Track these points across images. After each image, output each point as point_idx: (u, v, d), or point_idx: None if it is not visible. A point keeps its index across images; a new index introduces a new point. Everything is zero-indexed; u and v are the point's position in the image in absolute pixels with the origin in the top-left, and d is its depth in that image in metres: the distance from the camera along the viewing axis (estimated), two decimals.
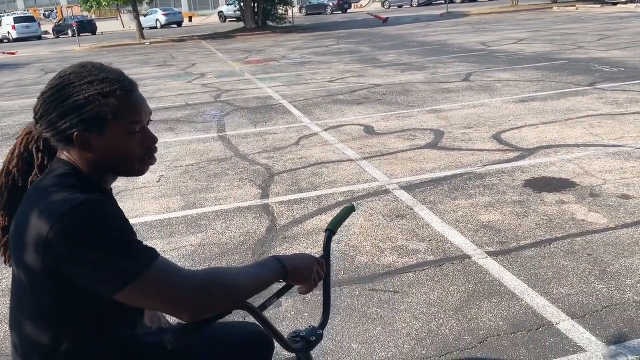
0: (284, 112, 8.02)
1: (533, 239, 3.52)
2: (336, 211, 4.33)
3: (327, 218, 4.03)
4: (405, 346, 2.54)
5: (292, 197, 4.58)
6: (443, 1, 34.72)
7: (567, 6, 27.73)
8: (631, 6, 24.75)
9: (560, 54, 11.70)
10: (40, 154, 1.31)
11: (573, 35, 15.15)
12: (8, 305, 1.34)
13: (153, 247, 1.18)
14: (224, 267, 1.26)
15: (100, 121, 1.20)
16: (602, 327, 2.57)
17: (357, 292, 3.04)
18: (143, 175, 5.32)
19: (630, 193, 4.11)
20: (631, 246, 3.32)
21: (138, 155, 1.26)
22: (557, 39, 14.55)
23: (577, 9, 26.52)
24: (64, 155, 1.25)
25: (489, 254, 3.36)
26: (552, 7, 28.40)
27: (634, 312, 2.67)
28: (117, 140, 1.22)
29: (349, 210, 1.67)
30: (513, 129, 6.14)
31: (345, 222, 3.91)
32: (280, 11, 30.24)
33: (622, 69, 9.35)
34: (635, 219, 3.67)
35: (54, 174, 1.23)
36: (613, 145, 5.27)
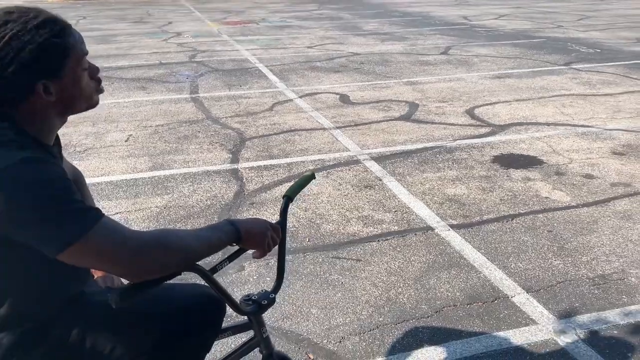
0: (259, 76, 7.91)
1: (496, 213, 3.58)
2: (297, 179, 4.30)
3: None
4: (363, 313, 2.58)
5: (262, 163, 4.55)
6: None
7: None
8: None
9: (539, 32, 11.73)
10: None
11: (553, 14, 15.18)
12: None
13: (97, 207, 1.15)
14: (173, 228, 1.24)
15: (59, 64, 1.19)
16: (555, 301, 2.65)
17: (320, 259, 3.06)
18: (112, 134, 5.17)
19: (595, 173, 4.19)
20: (590, 225, 3.40)
21: (91, 88, 1.28)
22: (537, 17, 14.57)
23: None
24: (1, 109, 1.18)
25: (452, 226, 3.41)
26: None
27: (586, 288, 2.75)
28: (75, 78, 1.22)
29: (308, 178, 1.66)
30: (487, 104, 6.18)
31: (314, 191, 3.93)
32: None
33: (599, 50, 9.43)
34: (596, 199, 3.76)
35: None
36: (582, 126, 5.35)
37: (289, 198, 1.56)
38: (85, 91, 1.26)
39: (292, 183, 1.66)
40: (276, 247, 1.45)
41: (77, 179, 1.56)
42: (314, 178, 1.69)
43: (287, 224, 3.39)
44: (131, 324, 1.33)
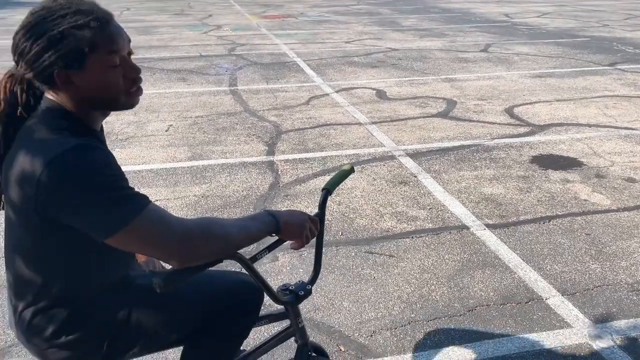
0: (297, 70, 7.95)
1: (533, 214, 3.53)
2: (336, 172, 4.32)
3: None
4: (395, 308, 2.60)
5: (297, 156, 4.60)
6: None
7: None
8: None
9: (583, 31, 11.42)
10: (24, 96, 1.25)
11: (599, 13, 14.74)
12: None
13: (145, 194, 1.20)
14: (216, 217, 1.27)
15: (78, 55, 1.16)
16: (592, 305, 2.61)
17: (353, 254, 3.09)
18: (153, 124, 5.28)
19: (637, 177, 4.09)
20: (630, 229, 3.32)
21: (122, 88, 1.23)
22: (582, 15, 14.17)
23: None
24: (50, 95, 1.23)
25: (488, 226, 3.38)
26: None
27: (624, 293, 2.70)
28: (99, 73, 1.19)
29: (347, 172, 1.68)
30: (526, 104, 6.07)
31: (348, 185, 3.95)
32: None
33: None
34: (638, 203, 3.67)
35: (43, 117, 1.20)
36: (626, 128, 5.20)
37: (328, 191, 1.59)
38: (112, 89, 1.21)
39: (331, 176, 1.69)
40: (314, 239, 1.48)
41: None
42: (353, 172, 1.72)
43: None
44: (173, 308, 1.38)
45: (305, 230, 1.40)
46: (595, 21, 13.00)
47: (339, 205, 3.68)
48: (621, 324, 2.48)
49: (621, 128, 5.21)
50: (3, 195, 1.25)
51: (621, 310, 2.57)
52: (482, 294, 2.70)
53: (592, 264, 2.95)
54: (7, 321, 2.47)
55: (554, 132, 5.15)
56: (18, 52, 1.19)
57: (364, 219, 3.49)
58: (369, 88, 6.87)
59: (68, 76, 1.18)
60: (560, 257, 3.03)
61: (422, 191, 3.90)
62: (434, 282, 2.81)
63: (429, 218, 3.50)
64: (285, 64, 8.36)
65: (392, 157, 4.55)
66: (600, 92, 6.54)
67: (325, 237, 3.27)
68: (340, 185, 4.01)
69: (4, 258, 1.35)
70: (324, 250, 3.09)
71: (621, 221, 3.43)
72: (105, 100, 1.23)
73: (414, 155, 4.58)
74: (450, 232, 3.31)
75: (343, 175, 1.66)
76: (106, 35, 1.19)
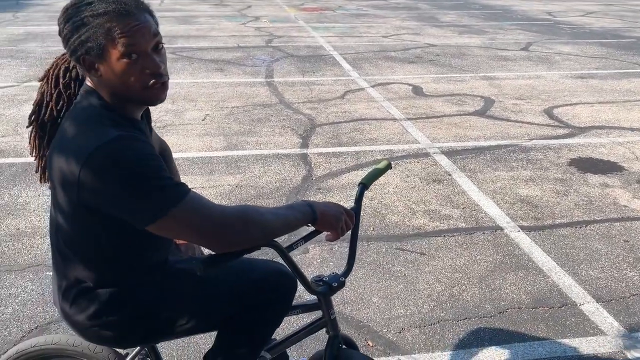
0: (333, 64, 7.95)
1: (570, 218, 3.46)
2: (373, 167, 4.28)
3: (363, 174, 4.04)
4: (424, 306, 2.59)
5: (331, 150, 4.61)
6: None
7: None
8: None
9: (630, 32, 11.07)
10: (68, 75, 1.31)
11: None
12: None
13: (185, 182, 1.22)
14: (255, 205, 1.30)
15: (96, 44, 1.16)
16: (628, 314, 2.55)
17: (384, 250, 3.09)
18: (190, 113, 5.37)
19: None
20: None
21: (140, 83, 1.19)
22: (629, 16, 13.73)
23: None
24: (88, 80, 1.26)
25: (522, 228, 3.33)
26: None
27: None
28: (115, 64, 1.17)
29: (385, 167, 1.68)
30: (567, 105, 5.93)
31: (381, 181, 3.94)
32: None
33: None
34: None
35: (83, 103, 1.24)
36: None
37: (364, 186, 1.60)
38: (128, 82, 1.19)
39: (365, 171, 1.69)
40: (349, 232, 1.49)
41: (164, 152, 1.65)
42: (390, 168, 1.72)
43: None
44: (210, 293, 1.41)
45: (341, 222, 1.40)
46: None
47: (372, 200, 3.67)
48: None
49: None
50: (49, 177, 1.29)
51: None
52: (514, 296, 2.67)
53: (630, 272, 2.88)
54: (50, 298, 2.56)
55: (594, 134, 5.02)
56: (61, 34, 1.23)
57: (396, 216, 3.48)
58: (405, 84, 6.82)
59: (92, 63, 1.20)
60: (596, 263, 2.96)
61: (456, 190, 3.86)
62: (465, 282, 2.78)
63: (462, 217, 3.46)
64: (322, 57, 8.36)
65: (427, 155, 4.52)
66: None
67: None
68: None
69: (49, 236, 1.40)
70: None
71: None
72: (123, 93, 1.22)
73: (449, 153, 4.53)
74: (483, 233, 3.28)
75: (380, 170, 1.66)
76: (125, 26, 1.16)
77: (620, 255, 3.04)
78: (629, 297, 2.67)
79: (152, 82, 1.20)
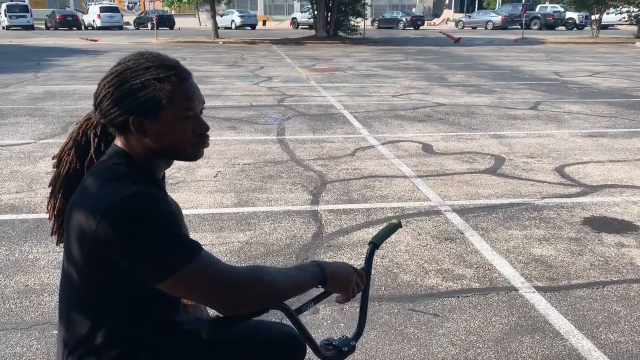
0: (343, 122, 8.07)
1: (586, 279, 3.37)
2: (383, 225, 4.25)
3: (374, 232, 4.01)
4: None
5: (342, 207, 4.60)
6: (519, 27, 33.95)
7: None
8: None
9: (637, 91, 11.18)
10: (97, 139, 1.35)
11: None
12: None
13: (197, 241, 1.22)
14: (265, 265, 1.29)
15: (155, 106, 1.24)
16: None
17: (396, 310, 3.01)
18: (202, 170, 5.44)
19: None
20: None
21: (190, 141, 1.30)
22: (636, 75, 13.92)
23: None
24: (119, 142, 1.30)
25: (538, 289, 3.25)
26: (634, 42, 27.21)
27: None
28: (171, 125, 1.26)
29: (395, 226, 1.66)
30: (578, 163, 5.92)
31: (392, 239, 3.90)
32: (352, 23, 30.44)
33: None
34: None
35: (108, 162, 1.28)
36: None
37: (375, 245, 1.58)
38: (181, 142, 1.28)
39: (376, 229, 1.67)
40: (359, 294, 1.46)
41: (177, 211, 1.66)
42: (401, 227, 1.70)
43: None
44: (216, 356, 1.37)
45: (351, 283, 1.38)
46: None
47: (383, 259, 3.63)
48: None
49: None
50: (65, 232, 1.30)
51: None
52: None
53: None
54: (54, 358, 2.50)
55: (607, 193, 4.98)
56: (100, 97, 1.28)
57: (408, 275, 3.43)
58: (415, 142, 6.88)
59: (142, 123, 1.26)
60: (615, 326, 2.86)
61: (468, 249, 3.81)
62: (480, 345, 2.69)
63: (476, 277, 3.39)
64: (332, 116, 8.50)
65: (438, 212, 4.49)
66: None
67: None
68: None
69: (58, 293, 1.38)
70: None
71: None
72: (172, 151, 1.30)
73: (461, 211, 4.50)
74: (497, 293, 3.20)
75: (390, 229, 1.64)
76: (184, 91, 1.26)
77: None
78: None
79: (199, 140, 1.31)
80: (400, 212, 4.48)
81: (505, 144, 6.74)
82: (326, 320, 2.90)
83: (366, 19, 33.42)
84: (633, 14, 30.60)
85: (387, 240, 3.93)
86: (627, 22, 33.86)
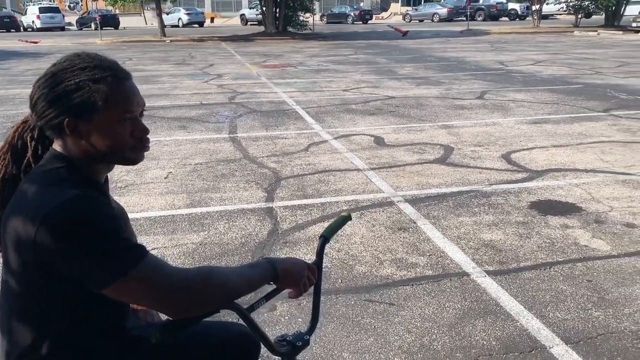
0: (296, 118, 8.06)
1: (534, 261, 3.50)
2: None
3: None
4: (396, 359, 2.54)
5: (296, 202, 4.60)
6: (464, 18, 34.74)
7: (588, 31, 27.61)
8: None
9: (577, 78, 11.65)
10: (33, 143, 1.30)
11: (592, 61, 15.08)
12: None
13: (143, 244, 1.20)
14: (214, 266, 1.27)
15: (90, 107, 1.20)
16: (596, 354, 2.55)
17: (352, 302, 3.04)
18: (152, 171, 5.30)
19: (636, 222, 4.08)
20: (632, 275, 3.29)
21: (128, 144, 1.25)
22: (575, 63, 14.50)
23: (598, 34, 26.39)
24: (58, 145, 1.26)
25: (488, 273, 3.35)
26: (573, 31, 28.30)
27: (629, 341, 2.65)
28: (108, 128, 1.22)
29: (345, 219, 1.68)
30: (523, 150, 6.12)
31: (347, 232, 3.93)
32: (301, 18, 30.41)
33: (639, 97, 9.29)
34: (638, 249, 3.64)
35: (47, 166, 1.23)
36: (623, 173, 5.23)
37: (325, 238, 1.58)
38: (119, 145, 1.24)
39: (328, 223, 1.68)
40: (311, 287, 1.46)
41: (121, 215, 1.62)
42: (350, 219, 1.72)
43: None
44: None
45: (303, 278, 1.38)
46: (589, 69, 13.29)
47: (338, 252, 3.65)
48: None
49: (618, 173, 5.24)
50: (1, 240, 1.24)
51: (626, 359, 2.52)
52: (485, 342, 2.65)
53: (595, 312, 2.91)
54: None
55: (551, 177, 5.17)
56: (35, 99, 1.24)
57: (363, 266, 3.46)
58: (367, 135, 6.95)
59: (77, 125, 1.22)
60: (562, 305, 2.98)
61: (421, 237, 3.88)
62: (435, 331, 2.76)
63: (429, 265, 3.47)
64: (285, 112, 8.49)
65: (391, 203, 4.55)
66: (596, 137, 6.61)
67: (325, 285, 3.22)
68: (338, 232, 3.99)
69: None
70: (323, 299, 3.05)
71: (622, 267, 3.40)
72: (110, 154, 1.25)
73: (413, 201, 4.58)
74: (450, 280, 3.28)
75: (341, 222, 1.65)
76: (121, 93, 1.23)
77: (585, 296, 3.07)
78: (596, 337, 2.68)
79: (138, 144, 1.27)
80: (355, 205, 4.52)
81: (453, 134, 6.90)
82: (284, 317, 2.90)
83: (315, 14, 33.45)
84: (571, 4, 31.84)
85: (342, 234, 3.95)
86: (566, 12, 35.22)
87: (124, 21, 42.55)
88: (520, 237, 3.86)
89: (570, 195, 4.67)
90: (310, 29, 30.33)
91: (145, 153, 1.32)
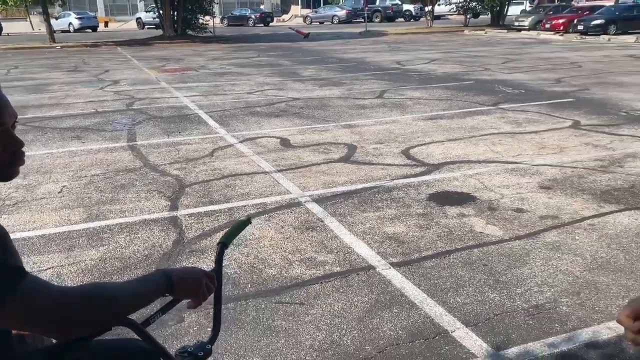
0: (199, 122, 7.90)
1: (434, 250, 3.67)
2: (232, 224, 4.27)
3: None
4: (307, 358, 2.56)
5: (202, 209, 4.50)
6: (362, 20, 35.76)
7: (477, 30, 29.43)
8: (533, 33, 26.71)
9: (468, 75, 12.38)
10: None
11: (481, 58, 16.08)
12: None
13: (20, 265, 1.11)
14: (101, 282, 1.21)
15: None
16: (493, 334, 2.72)
17: (263, 306, 3.03)
18: (44, 186, 4.97)
19: (525, 207, 4.40)
20: (522, 257, 3.55)
21: (1, 159, 1.17)
22: (466, 61, 15.39)
23: (486, 33, 28.22)
24: None
25: (393, 264, 3.46)
26: (463, 31, 30.03)
27: (522, 319, 2.85)
28: None
29: (243, 223, 1.66)
30: (421, 145, 6.41)
31: (256, 235, 3.91)
32: (201, 21, 29.82)
33: (523, 90, 10.04)
34: (527, 232, 3.93)
35: None
36: (511, 162, 5.62)
37: (223, 244, 1.56)
38: None
39: (226, 230, 1.66)
40: (212, 296, 1.43)
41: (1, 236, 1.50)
42: (250, 223, 1.70)
43: (229, 271, 3.33)
44: None
45: (201, 287, 1.35)
46: (478, 65, 14.16)
47: (247, 256, 3.62)
48: (521, 348, 2.60)
49: (507, 162, 5.63)
50: None
51: (520, 336, 2.70)
52: (392, 333, 2.74)
53: (491, 294, 3.10)
54: None
55: (447, 170, 5.45)
56: None
57: (273, 269, 3.46)
58: (273, 137, 6.95)
59: None
60: (462, 290, 3.15)
61: (329, 235, 3.94)
62: (345, 326, 2.81)
63: (337, 261, 3.53)
64: (187, 117, 8.28)
65: (299, 204, 4.59)
66: (487, 130, 7.05)
67: (235, 291, 3.19)
68: (246, 236, 3.96)
69: None
70: (233, 305, 3.02)
71: (514, 250, 3.65)
72: None
73: (320, 201, 4.64)
74: (357, 274, 3.36)
75: (239, 227, 1.63)
76: None
77: (482, 279, 3.27)
78: (493, 318, 2.86)
79: (12, 158, 1.18)
80: (263, 208, 4.50)
81: (356, 133, 7.07)
82: (192, 327, 2.83)
83: (215, 17, 32.93)
84: (460, 5, 33.79)
85: (250, 237, 3.91)
86: (456, 13, 37.32)
87: (8, 27, 39.44)
88: (420, 228, 4.04)
89: (465, 186, 4.95)
90: (211, 32, 29.82)
91: (26, 167, 1.23)
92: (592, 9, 27.61)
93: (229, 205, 4.59)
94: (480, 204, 4.50)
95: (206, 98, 10.00)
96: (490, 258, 3.54)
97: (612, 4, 29.92)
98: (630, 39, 21.69)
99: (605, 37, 23.07)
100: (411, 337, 2.70)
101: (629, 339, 1.01)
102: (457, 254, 3.60)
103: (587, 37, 23.72)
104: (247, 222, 1.68)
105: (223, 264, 1.56)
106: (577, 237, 3.81)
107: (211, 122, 7.91)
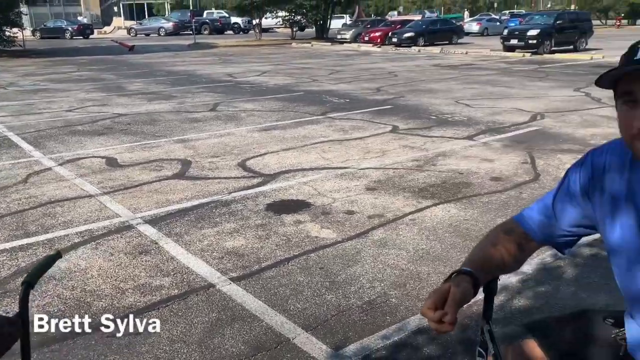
0: (9, 146, 7.06)
1: (274, 259, 3.71)
2: (71, 254, 3.93)
3: (59, 263, 3.62)
4: None
5: (16, 243, 4.02)
6: (191, 32, 35.15)
7: (304, 43, 30.66)
8: (355, 45, 28.63)
9: (298, 86, 12.82)
10: None
11: (309, 70, 16.78)
12: None
13: None
14: None
15: None
16: (332, 334, 2.83)
17: (93, 342, 2.78)
18: None
19: (354, 209, 4.66)
20: (354, 256, 3.74)
21: None
22: (296, 73, 15.93)
23: (312, 45, 29.53)
24: None
25: (233, 279, 3.43)
26: (291, 44, 31.09)
27: (357, 316, 3.00)
28: None
29: (52, 258, 1.50)
30: (257, 156, 6.46)
31: (81, 266, 3.61)
32: (7, 33, 26.79)
33: (348, 100, 10.68)
34: (357, 232, 4.17)
35: None
36: (340, 167, 5.93)
37: (28, 284, 1.39)
38: None
39: (31, 268, 1.49)
40: (17, 344, 1.27)
41: None
42: (60, 257, 1.55)
43: (51, 309, 3.01)
44: None
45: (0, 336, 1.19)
46: (307, 77, 14.74)
47: (73, 290, 3.31)
48: (358, 345, 2.74)
49: (337, 168, 5.92)
50: None
51: (356, 332, 2.84)
52: (234, 349, 2.70)
53: (328, 295, 3.22)
54: None
55: (283, 179, 5.57)
56: None
57: (103, 300, 3.20)
58: (97, 157, 6.48)
59: None
60: (301, 295, 3.23)
61: (164, 257, 3.77)
62: (185, 350, 2.70)
63: (174, 284, 3.38)
64: None
65: (130, 227, 4.32)
66: (318, 138, 7.36)
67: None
68: (70, 268, 3.62)
69: None
70: (58, 347, 2.73)
71: (347, 250, 3.84)
72: None
73: (153, 221, 4.43)
74: (197, 294, 3.26)
75: (46, 263, 1.47)
76: None
77: (319, 282, 3.38)
78: (330, 319, 2.97)
79: None
80: (89, 235, 4.16)
81: (190, 147, 6.90)
82: None
83: (24, 28, 29.85)
84: (286, 18, 34.94)
85: (75, 269, 3.59)
86: (283, 26, 38.49)
87: None
88: (259, 239, 4.06)
89: (300, 193, 5.10)
90: (21, 45, 26.97)
91: None
92: (403, 22, 30.50)
93: (49, 235, 4.17)
94: (314, 209, 4.67)
95: (17, 118, 9.00)
96: (326, 261, 3.68)
97: (420, 18, 33.37)
98: (436, 49, 24.37)
99: (416, 48, 25.61)
100: (254, 351, 2.68)
101: (434, 328, 1.10)
102: (295, 261, 3.68)
103: (400, 48, 26.10)
104: (56, 256, 1.52)
105: (30, 306, 1.39)
106: (400, 233, 4.13)
107: (24, 144, 7.13)
